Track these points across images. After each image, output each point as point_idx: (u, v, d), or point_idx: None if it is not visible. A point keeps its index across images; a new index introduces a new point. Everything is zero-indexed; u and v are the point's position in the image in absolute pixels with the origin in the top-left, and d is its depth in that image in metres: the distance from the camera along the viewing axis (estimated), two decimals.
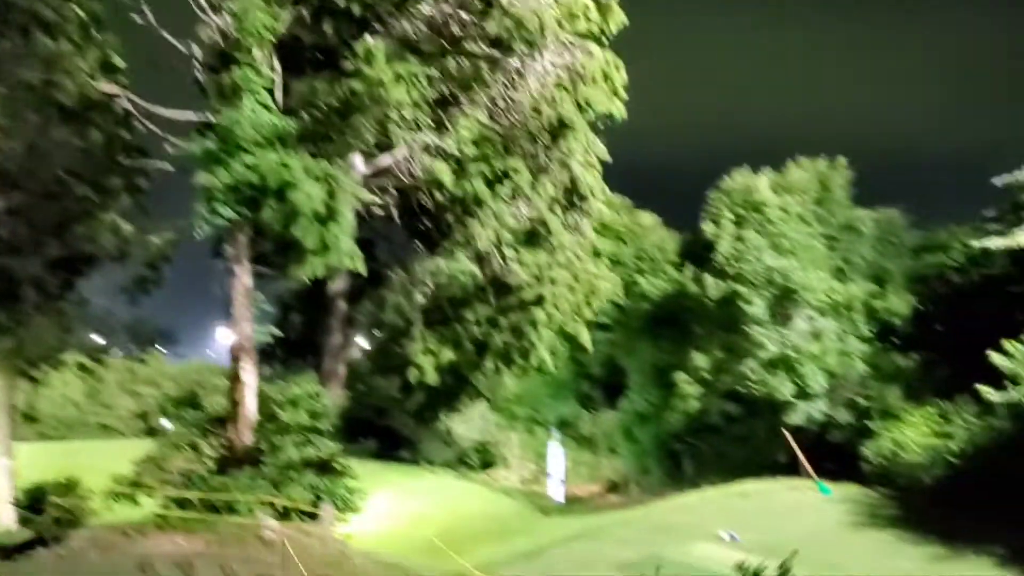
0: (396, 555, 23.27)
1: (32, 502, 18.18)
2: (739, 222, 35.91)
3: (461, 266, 21.33)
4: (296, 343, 24.75)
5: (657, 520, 27.18)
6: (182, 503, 20.49)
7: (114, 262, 26.94)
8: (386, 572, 21.07)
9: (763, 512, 27.62)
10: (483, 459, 49.75)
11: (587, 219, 22.34)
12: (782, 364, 32.11)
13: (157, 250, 27.85)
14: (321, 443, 21.47)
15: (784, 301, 33.49)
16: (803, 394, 32.35)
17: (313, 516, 21.92)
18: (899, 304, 33.89)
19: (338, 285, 23.17)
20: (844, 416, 33.38)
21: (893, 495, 29.12)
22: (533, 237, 21.38)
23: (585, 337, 22.32)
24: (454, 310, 22.08)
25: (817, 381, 32.15)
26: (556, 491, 42.56)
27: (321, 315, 23.64)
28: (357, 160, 22.49)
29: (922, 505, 27.48)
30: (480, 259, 21.58)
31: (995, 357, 24.84)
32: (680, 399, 36.54)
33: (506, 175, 20.05)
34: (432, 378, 21.47)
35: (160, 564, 17.36)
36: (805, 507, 28.31)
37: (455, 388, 23.46)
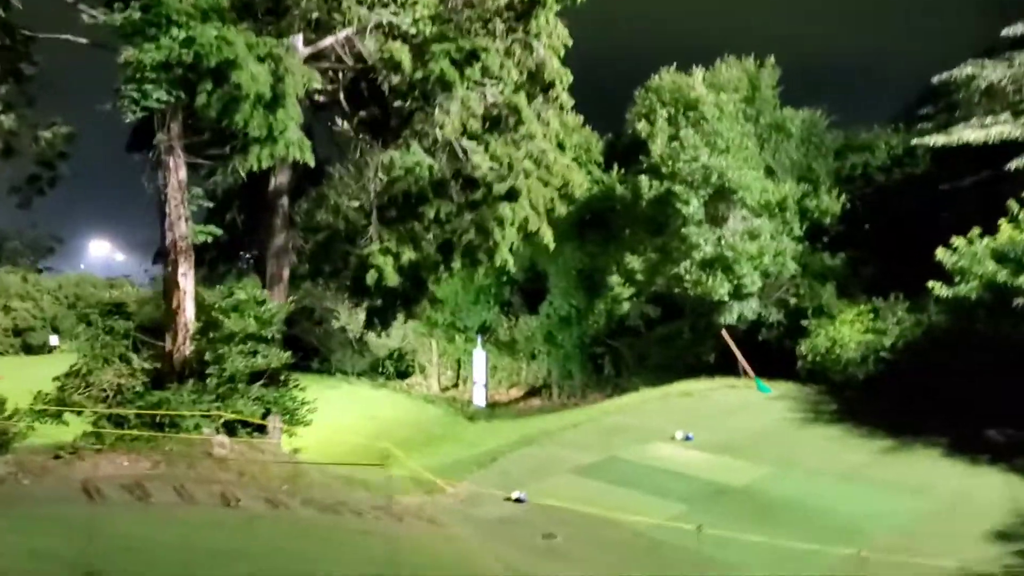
0: (346, 467, 22.11)
1: None
2: (672, 120, 35.12)
3: (417, 158, 19.57)
4: (229, 245, 22.59)
5: (606, 423, 26.77)
6: (117, 421, 18.58)
7: None
8: (345, 486, 19.88)
9: (708, 411, 27.61)
10: (398, 367, 48.70)
11: (552, 108, 20.87)
12: (719, 264, 31.82)
13: (49, 144, 25.13)
14: (270, 352, 19.83)
15: (720, 201, 33.07)
16: (738, 294, 32.26)
17: (261, 429, 20.46)
18: (830, 203, 34.02)
19: (280, 179, 21.08)
20: (775, 315, 33.63)
21: (829, 392, 29.60)
22: (501, 126, 19.81)
23: (549, 236, 21.06)
24: (411, 207, 20.41)
25: (753, 280, 32.06)
26: (479, 397, 41.94)
27: (261, 213, 21.55)
28: (297, 41, 20.23)
29: (860, 400, 27.99)
30: (440, 150, 19.87)
31: (942, 253, 25.01)
32: (613, 302, 36.01)
33: (475, 56, 18.27)
34: (393, 280, 19.86)
35: (107, 487, 15.55)
36: (748, 405, 28.44)
37: (414, 292, 21.92)
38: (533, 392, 45.39)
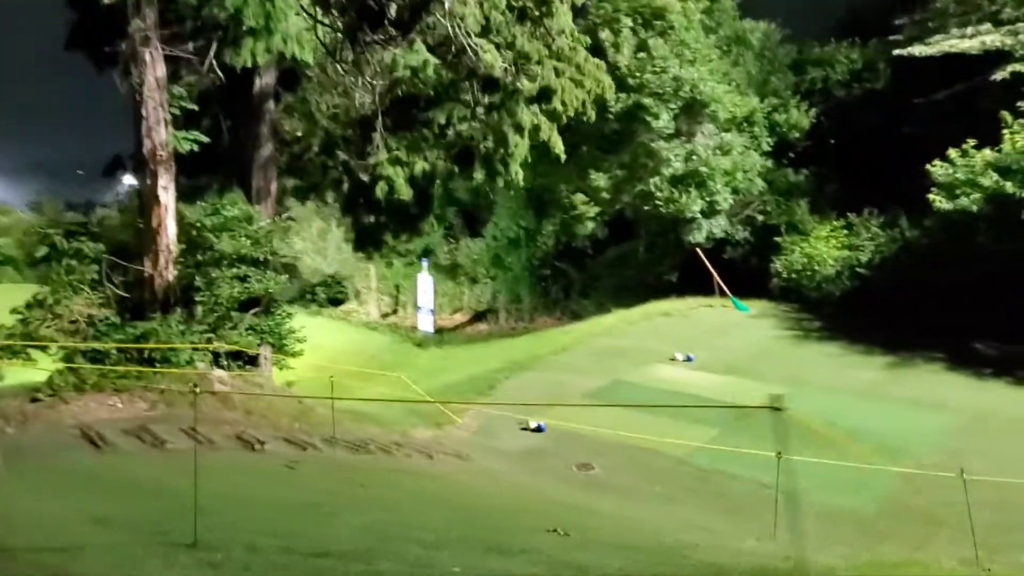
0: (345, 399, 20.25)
1: None
2: (635, 30, 33.47)
3: (423, 57, 17.41)
4: (204, 155, 19.84)
5: (596, 346, 25.58)
6: (94, 357, 16.17)
7: None
8: (355, 421, 18.12)
9: (695, 331, 26.77)
10: (330, 294, 46.27)
11: (565, 3, 18.85)
12: (692, 179, 30.75)
13: None
14: (265, 276, 17.71)
15: (689, 114, 31.87)
16: (711, 211, 31.37)
17: (252, 362, 18.42)
18: (800, 118, 33.30)
19: (266, 81, 18.53)
20: (742, 233, 32.99)
21: (806, 309, 29.24)
22: (525, 19, 17.72)
23: (559, 145, 19.29)
24: (419, 112, 18.27)
25: (725, 197, 31.19)
26: (425, 323, 40.19)
27: (243, 120, 18.98)
28: None
29: (842, 317, 27.69)
30: (448, 49, 17.69)
31: (938, 167, 24.55)
32: (576, 221, 34.62)
33: None
34: (405, 192, 17.82)
35: (109, 433, 13.39)
36: (733, 324, 27.78)
37: (421, 207, 19.89)
38: (478, 317, 43.95)
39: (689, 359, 23.49)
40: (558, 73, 17.73)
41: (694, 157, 31.16)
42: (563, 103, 17.82)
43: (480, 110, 18.13)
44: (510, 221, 41.63)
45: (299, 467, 13.27)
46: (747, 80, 35.44)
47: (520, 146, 18.37)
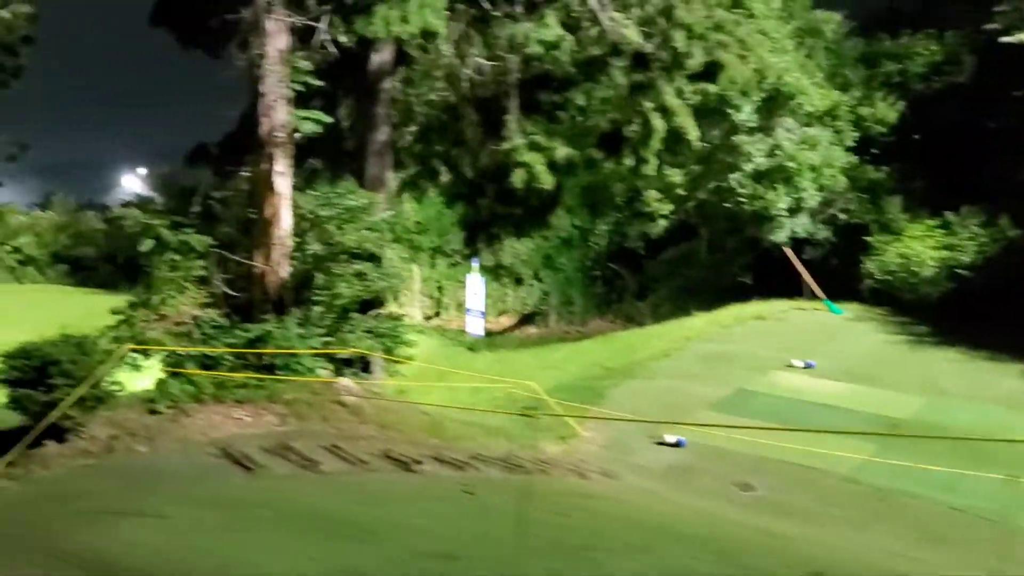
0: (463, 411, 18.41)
1: (30, 373, 11.36)
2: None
3: (558, 32, 15.65)
4: (310, 137, 17.91)
5: (699, 351, 23.78)
6: (205, 363, 14.36)
7: None
8: (486, 435, 16.35)
9: (799, 335, 25.06)
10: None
11: None
12: (778, 175, 29.05)
13: (7, 28, 20.51)
14: (385, 274, 15.96)
15: (772, 107, 30.15)
16: (797, 208, 29.68)
17: (365, 368, 16.65)
18: (886, 111, 31.64)
19: (383, 56, 16.72)
20: (823, 232, 31.30)
21: (904, 312, 27.56)
22: None
23: (695, 132, 17.57)
24: (553, 93, 16.54)
25: (811, 194, 29.51)
26: (475, 326, 38.30)
27: (359, 99, 17.18)
28: None
29: (949, 320, 25.97)
30: (584, 24, 15.95)
31: None
32: (648, 220, 32.88)
33: None
34: (548, 181, 16.03)
35: (252, 452, 11.57)
36: (835, 328, 26.10)
37: (555, 197, 18.10)
38: (526, 319, 42.14)
39: (810, 366, 21.79)
40: (723, 47, 16.04)
41: (777, 152, 29.46)
42: (731, 81, 16.15)
43: (623, 91, 16.42)
44: (566, 221, 39.75)
45: (484, 491, 11.46)
46: (821, 73, 33.81)
47: (659, 131, 16.67)
